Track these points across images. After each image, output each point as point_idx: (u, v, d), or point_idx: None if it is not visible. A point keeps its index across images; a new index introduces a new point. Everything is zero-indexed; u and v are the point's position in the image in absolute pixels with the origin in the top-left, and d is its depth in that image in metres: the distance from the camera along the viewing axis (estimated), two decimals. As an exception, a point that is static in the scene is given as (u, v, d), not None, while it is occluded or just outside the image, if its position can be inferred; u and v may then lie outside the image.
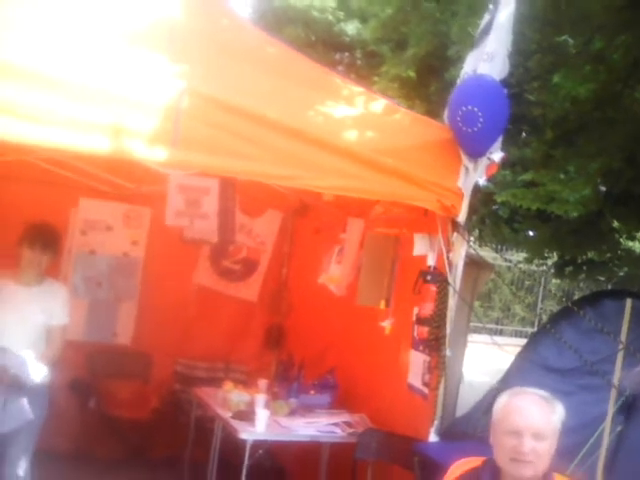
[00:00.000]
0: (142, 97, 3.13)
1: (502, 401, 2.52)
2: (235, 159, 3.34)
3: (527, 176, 6.43)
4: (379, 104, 4.25)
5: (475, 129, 3.66)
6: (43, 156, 4.59)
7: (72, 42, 3.24)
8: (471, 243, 4.06)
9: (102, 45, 3.35)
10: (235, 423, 4.51)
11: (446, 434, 4.05)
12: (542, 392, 2.52)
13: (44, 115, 2.94)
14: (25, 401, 3.99)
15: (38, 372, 4.00)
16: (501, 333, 15.33)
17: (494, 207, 7.77)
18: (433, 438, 3.96)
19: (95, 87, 3.05)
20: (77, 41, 3.27)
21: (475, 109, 3.63)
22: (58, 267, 5.73)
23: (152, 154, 3.15)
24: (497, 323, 16.18)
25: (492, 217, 8.11)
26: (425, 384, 4.15)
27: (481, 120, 3.63)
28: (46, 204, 5.29)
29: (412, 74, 8.21)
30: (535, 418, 2.42)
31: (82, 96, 3.01)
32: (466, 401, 4.81)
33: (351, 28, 11.22)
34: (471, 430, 4.30)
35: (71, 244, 5.86)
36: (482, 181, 3.94)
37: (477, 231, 8.47)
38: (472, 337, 5.50)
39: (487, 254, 9.22)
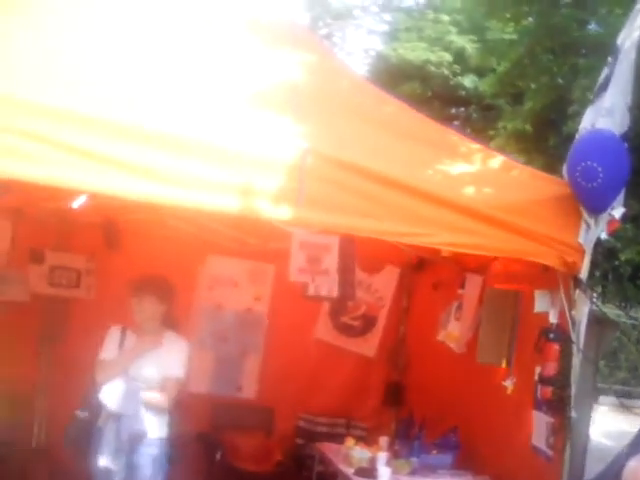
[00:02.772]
0: (268, 157, 3.27)
1: (630, 466, 2.46)
2: (356, 217, 3.42)
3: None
4: (496, 161, 4.28)
5: (595, 184, 3.62)
6: (175, 215, 4.84)
7: (200, 105, 3.44)
8: (594, 300, 3.97)
9: (229, 107, 3.55)
10: (357, 480, 4.54)
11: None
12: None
13: (177, 176, 3.11)
14: (145, 458, 4.13)
15: (155, 427, 4.13)
16: (630, 395, 14.56)
17: (616, 263, 7.52)
18: (559, 503, 3.85)
19: (224, 148, 3.21)
20: (205, 104, 3.47)
21: (594, 164, 3.60)
22: (186, 321, 6.01)
23: (278, 213, 3.27)
24: (624, 384, 15.38)
25: (615, 273, 7.85)
26: (549, 446, 4.05)
27: (601, 175, 3.59)
28: (175, 260, 5.50)
29: (529, 128, 8.15)
30: None
31: (212, 157, 3.17)
32: (593, 465, 4.63)
33: (468, 82, 11.21)
34: (599, 495, 4.13)
35: (198, 299, 6.12)
36: (604, 235, 3.88)
37: (600, 287, 8.19)
38: (598, 399, 5.28)
39: (610, 311, 8.90)
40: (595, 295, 4.06)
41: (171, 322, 4.40)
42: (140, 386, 4.12)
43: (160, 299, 4.29)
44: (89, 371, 4.24)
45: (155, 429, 4.16)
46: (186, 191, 3.15)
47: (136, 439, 4.09)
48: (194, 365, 5.92)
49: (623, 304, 9.90)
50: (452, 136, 4.54)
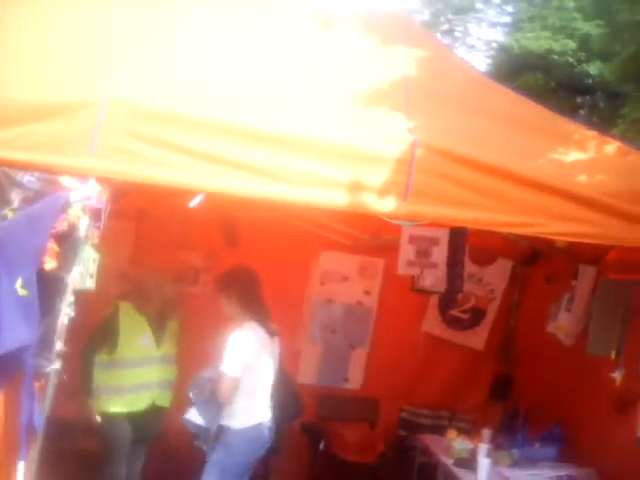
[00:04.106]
0: (377, 151, 3.29)
1: None
2: (465, 209, 3.39)
3: None
4: (611, 147, 4.14)
5: None
6: (289, 212, 4.96)
7: (313, 102, 3.52)
8: None
9: (339, 104, 3.60)
10: (457, 470, 4.57)
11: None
12: None
13: (288, 173, 3.20)
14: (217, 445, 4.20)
15: (223, 417, 4.17)
16: None
17: None
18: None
19: (334, 144, 3.26)
20: (317, 101, 3.54)
21: None
22: (299, 315, 6.16)
23: (386, 206, 3.29)
24: None
25: None
26: (658, 441, 3.91)
27: None
28: (290, 256, 5.72)
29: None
30: None
31: (323, 153, 3.24)
32: None
33: (593, 69, 10.77)
34: None
35: (311, 294, 6.26)
36: None
37: None
38: None
39: None
40: None
41: (255, 313, 4.32)
42: (209, 378, 4.20)
43: (227, 294, 4.34)
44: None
45: (224, 419, 4.20)
46: (297, 188, 3.22)
47: (205, 426, 4.20)
48: (304, 357, 6.16)
49: None
50: (565, 124, 4.43)
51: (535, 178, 3.46)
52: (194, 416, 4.21)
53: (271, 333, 4.34)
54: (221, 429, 4.19)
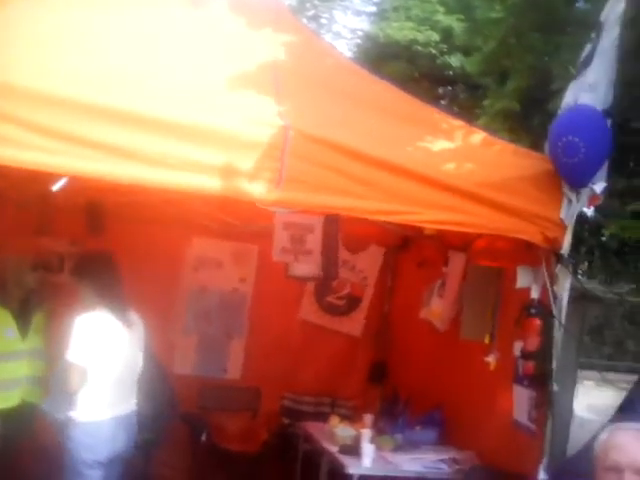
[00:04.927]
0: (248, 137, 3.23)
1: (602, 437, 2.48)
2: (338, 196, 3.39)
3: (636, 206, 6.23)
4: (478, 137, 4.25)
5: (576, 160, 3.60)
6: (158, 197, 4.80)
7: (181, 85, 3.39)
8: (578, 276, 3.97)
9: (210, 87, 3.50)
10: (342, 457, 4.56)
11: (557, 474, 3.92)
12: (644, 427, 2.45)
13: (157, 157, 3.09)
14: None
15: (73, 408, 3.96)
16: (615, 370, 14.64)
17: (602, 239, 7.52)
18: (542, 476, 3.83)
19: (205, 128, 3.17)
20: (186, 84, 3.42)
21: (576, 139, 3.58)
22: (171, 303, 6.00)
23: (258, 192, 3.24)
24: (609, 359, 15.48)
25: (601, 249, 7.86)
26: (532, 420, 4.06)
27: (583, 150, 3.57)
28: (160, 243, 5.57)
29: (517, 105, 8.10)
30: (637, 453, 2.36)
31: (193, 137, 3.14)
32: (579, 440, 4.67)
33: (454, 61, 11.17)
34: (582, 470, 4.16)
35: (184, 281, 6.12)
36: (590, 212, 3.87)
37: (586, 263, 8.20)
38: (583, 373, 5.30)
39: (597, 287, 8.91)
40: (580, 271, 4.06)
41: (110, 301, 4.08)
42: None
43: (81, 279, 4.14)
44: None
45: (70, 411, 3.97)
46: (167, 172, 3.12)
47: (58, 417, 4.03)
48: (179, 347, 6.02)
49: (609, 280, 9.91)
50: (433, 113, 4.51)
51: (406, 166, 3.51)
52: (48, 406, 4.03)
53: (128, 322, 4.11)
54: (68, 421, 3.95)
